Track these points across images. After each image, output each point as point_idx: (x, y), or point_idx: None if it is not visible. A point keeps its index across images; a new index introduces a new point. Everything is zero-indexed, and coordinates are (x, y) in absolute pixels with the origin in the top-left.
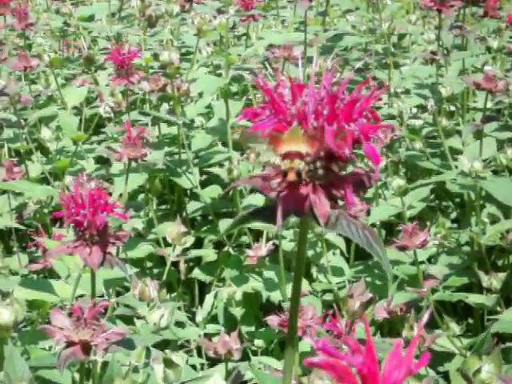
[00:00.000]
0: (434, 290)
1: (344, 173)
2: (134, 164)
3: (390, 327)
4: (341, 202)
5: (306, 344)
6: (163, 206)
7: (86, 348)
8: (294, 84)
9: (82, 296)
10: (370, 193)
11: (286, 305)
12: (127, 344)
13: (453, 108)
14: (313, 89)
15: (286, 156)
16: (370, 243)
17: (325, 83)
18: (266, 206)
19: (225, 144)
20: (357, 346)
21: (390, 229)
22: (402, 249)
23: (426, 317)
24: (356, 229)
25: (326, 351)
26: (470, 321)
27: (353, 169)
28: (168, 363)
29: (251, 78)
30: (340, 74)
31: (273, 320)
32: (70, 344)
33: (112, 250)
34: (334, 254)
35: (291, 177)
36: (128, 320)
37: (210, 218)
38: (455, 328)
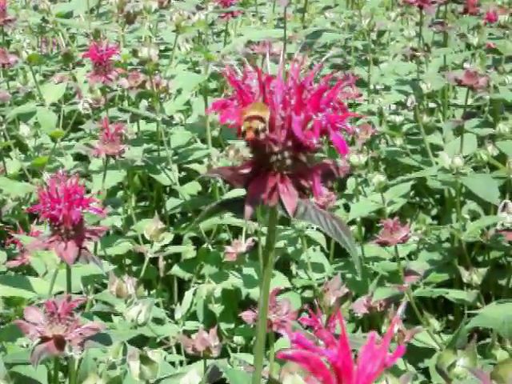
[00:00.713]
0: (414, 287)
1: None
2: (112, 161)
3: (370, 323)
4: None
5: (283, 341)
6: (142, 203)
7: (60, 343)
8: (261, 75)
9: (60, 293)
10: (350, 189)
11: None
12: (104, 339)
13: (433, 105)
14: (280, 79)
15: (246, 119)
16: (338, 233)
17: (292, 73)
18: (236, 197)
19: (204, 141)
20: (331, 339)
21: (370, 226)
22: (383, 244)
23: (400, 309)
24: (324, 218)
25: (300, 344)
26: (451, 317)
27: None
28: (144, 360)
29: (219, 69)
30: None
31: (248, 315)
32: (43, 339)
33: (88, 244)
34: (314, 250)
35: (250, 135)
36: (106, 317)
37: (190, 214)
38: (435, 324)
